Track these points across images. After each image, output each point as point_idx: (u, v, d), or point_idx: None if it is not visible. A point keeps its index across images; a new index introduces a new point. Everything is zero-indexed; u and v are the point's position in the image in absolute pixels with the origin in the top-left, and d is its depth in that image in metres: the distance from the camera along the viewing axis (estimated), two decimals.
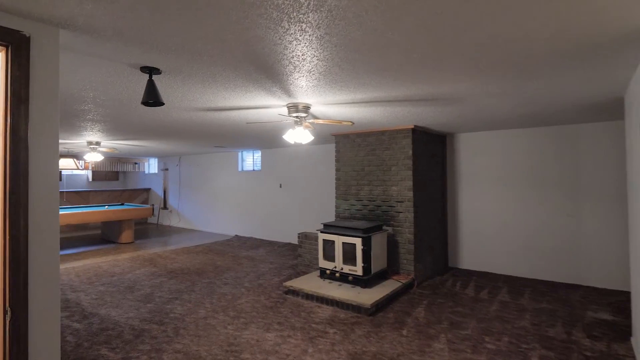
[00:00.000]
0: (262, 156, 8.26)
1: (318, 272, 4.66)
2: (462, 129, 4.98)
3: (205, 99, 3.01)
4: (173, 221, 10.56)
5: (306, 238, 5.31)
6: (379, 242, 4.33)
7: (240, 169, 8.78)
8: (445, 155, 5.65)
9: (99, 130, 4.89)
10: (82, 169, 10.33)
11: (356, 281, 4.13)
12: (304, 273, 5.16)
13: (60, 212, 6.69)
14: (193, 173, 9.95)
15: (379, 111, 3.60)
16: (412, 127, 4.57)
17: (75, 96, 2.88)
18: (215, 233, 9.09)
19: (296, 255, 6.35)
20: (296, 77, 2.37)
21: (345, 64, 2.12)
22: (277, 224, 7.86)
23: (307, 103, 3.15)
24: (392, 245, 4.71)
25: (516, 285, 4.63)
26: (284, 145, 7.18)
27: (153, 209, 7.96)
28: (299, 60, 2.04)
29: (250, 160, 8.64)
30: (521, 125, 4.73)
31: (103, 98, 2.95)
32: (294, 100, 3.05)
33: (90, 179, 11.64)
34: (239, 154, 8.79)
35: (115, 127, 4.56)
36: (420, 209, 4.77)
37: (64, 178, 10.93)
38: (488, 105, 3.33)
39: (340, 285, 4.18)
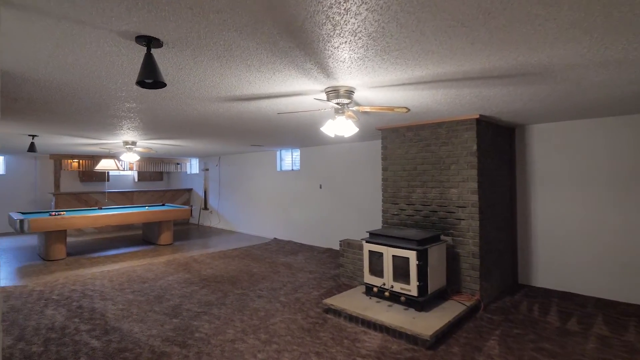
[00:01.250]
0: (301, 155, 7.77)
1: (363, 288, 4.03)
2: (537, 118, 4.09)
3: (227, 84, 2.51)
4: (213, 222, 10.43)
5: (349, 246, 4.70)
6: (436, 255, 3.61)
7: (278, 168, 8.37)
8: (514, 151, 4.75)
9: (129, 129, 4.63)
10: (125, 170, 10.52)
11: (410, 302, 3.44)
12: (347, 286, 4.55)
13: (99, 213, 6.68)
14: (232, 173, 9.72)
15: (439, 95, 2.90)
16: (477, 116, 3.78)
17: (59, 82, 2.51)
18: (253, 235, 8.76)
19: (338, 264, 5.75)
20: (336, 45, 1.78)
21: (406, 17, 1.49)
22: (317, 228, 7.32)
23: (350, 86, 2.54)
24: (452, 259, 3.96)
25: (613, 312, 3.67)
26: (323, 142, 6.61)
27: (191, 211, 7.77)
28: (339, 14, 1.44)
29: (289, 159, 8.19)
30: (622, 112, 3.75)
31: (107, 84, 2.56)
32: (334, 83, 2.46)
33: (136, 180, 11.91)
34: (277, 153, 8.37)
35: (141, 124, 4.26)
36: (486, 215, 3.97)
37: (110, 178, 11.25)
38: (592, 82, 2.51)
39: (390, 306, 3.51)
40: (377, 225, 6.17)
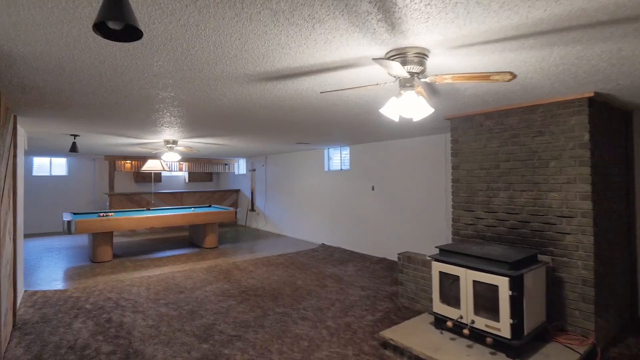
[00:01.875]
0: (350, 153, 7.05)
1: (430, 317, 3.21)
2: None
3: (252, 51, 1.88)
4: (260, 224, 10.09)
5: (409, 261, 3.89)
6: (534, 282, 2.70)
7: (326, 168, 7.72)
8: (632, 143, 3.62)
9: (162, 125, 4.26)
10: (174, 170, 10.56)
11: (499, 345, 2.58)
12: (407, 310, 3.75)
13: (144, 215, 6.52)
14: (278, 174, 9.27)
15: (552, 59, 2.02)
16: (591, 94, 2.79)
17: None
18: (300, 240, 8.20)
19: (394, 279, 4.95)
20: None
21: None
22: (369, 234, 6.55)
23: (423, 47, 1.78)
24: (553, 286, 3.00)
25: None
26: (376, 138, 5.83)
27: (236, 213, 7.41)
28: None
29: (338, 158, 7.51)
30: None
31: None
32: (402, 42, 1.72)
33: (187, 180, 12.00)
34: (325, 151, 7.73)
35: (173, 119, 3.83)
36: (601, 228, 2.95)
37: (163, 179, 11.41)
38: None
39: (470, 347, 2.67)
40: (439, 234, 5.25)
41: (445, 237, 5.21)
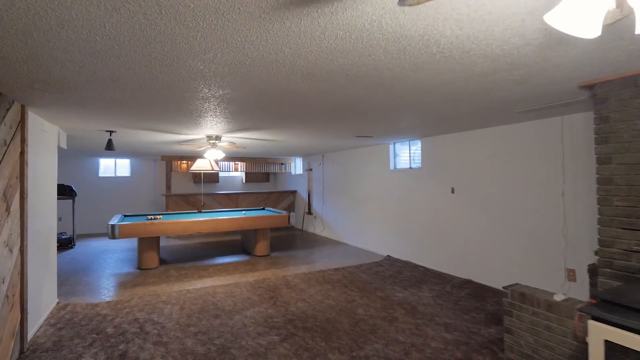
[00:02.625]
0: (422, 148, 5.81)
1: None
2: None
3: None
4: (317, 229, 9.22)
5: (523, 300, 2.63)
6: None
7: (392, 166, 6.56)
8: None
9: (194, 114, 3.52)
10: (230, 171, 10.16)
11: None
12: None
13: (191, 219, 5.96)
14: (337, 173, 8.31)
15: None
16: None
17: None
18: (362, 250, 7.13)
19: (492, 315, 3.66)
20: None
21: None
22: (448, 248, 5.26)
23: None
24: None
25: None
26: (458, 127, 4.54)
27: (289, 217, 6.61)
28: None
29: (406, 154, 6.31)
30: None
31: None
32: None
33: (244, 181, 11.62)
34: (390, 146, 6.57)
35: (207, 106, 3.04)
36: None
37: (220, 180, 11.14)
38: None
39: None
40: (552, 255, 3.82)
41: (563, 260, 3.77)
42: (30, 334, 3.15)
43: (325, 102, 2.98)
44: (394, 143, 6.48)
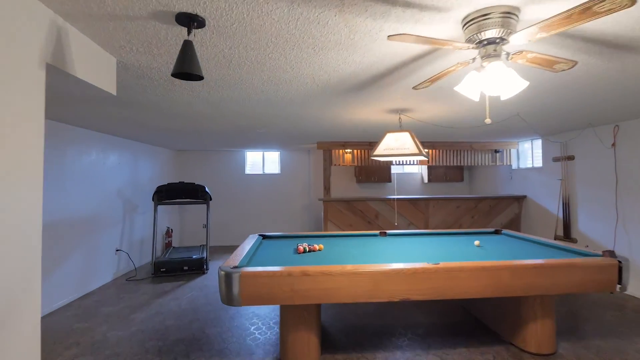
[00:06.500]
0: None
1: None
2: None
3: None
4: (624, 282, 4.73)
5: None
6: None
7: None
8: None
9: None
10: (407, 164, 6.64)
11: None
12: None
13: (383, 267, 2.51)
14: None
15: None
16: None
17: None
18: None
19: None
20: None
21: None
22: None
23: None
24: None
25: None
26: None
27: (621, 271, 2.61)
28: None
29: None
30: None
31: None
32: None
33: (426, 180, 7.97)
34: None
35: None
36: None
37: (393, 177, 7.80)
38: None
39: None
40: None
41: None
42: None
43: None
44: None
